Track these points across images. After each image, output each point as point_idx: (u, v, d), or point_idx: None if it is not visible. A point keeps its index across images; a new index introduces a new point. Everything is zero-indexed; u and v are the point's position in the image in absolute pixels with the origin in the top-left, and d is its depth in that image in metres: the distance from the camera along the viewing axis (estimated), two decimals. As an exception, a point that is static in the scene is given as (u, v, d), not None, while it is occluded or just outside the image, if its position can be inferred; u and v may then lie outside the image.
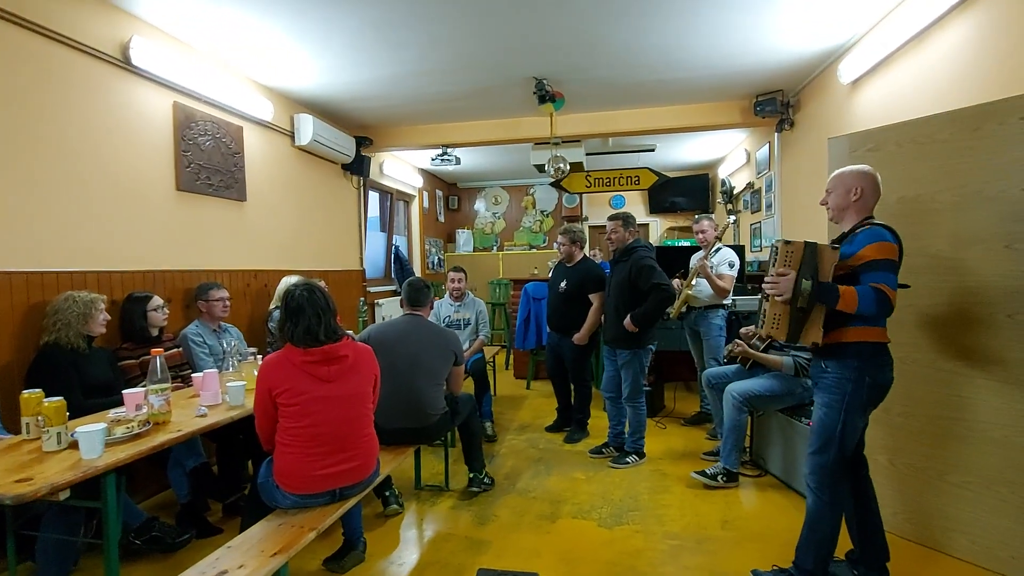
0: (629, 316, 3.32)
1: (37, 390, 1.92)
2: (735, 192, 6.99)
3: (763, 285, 2.02)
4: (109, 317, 2.66)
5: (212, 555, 1.67)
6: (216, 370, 2.48)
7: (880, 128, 2.56)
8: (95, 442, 1.68)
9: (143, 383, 2.42)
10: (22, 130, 2.54)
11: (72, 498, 1.65)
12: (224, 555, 1.66)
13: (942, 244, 2.30)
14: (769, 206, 5.57)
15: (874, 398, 1.99)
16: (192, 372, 2.91)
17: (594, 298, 3.83)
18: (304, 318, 1.96)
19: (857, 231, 1.97)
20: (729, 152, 7.31)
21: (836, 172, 2.10)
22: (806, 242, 1.93)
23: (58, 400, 1.80)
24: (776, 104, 4.76)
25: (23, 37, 2.55)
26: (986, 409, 2.21)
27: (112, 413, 2.11)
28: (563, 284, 3.91)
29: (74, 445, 1.76)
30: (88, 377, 2.50)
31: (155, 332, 2.93)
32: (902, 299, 1.95)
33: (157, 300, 2.94)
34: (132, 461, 1.77)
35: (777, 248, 1.98)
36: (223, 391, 2.38)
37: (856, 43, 3.64)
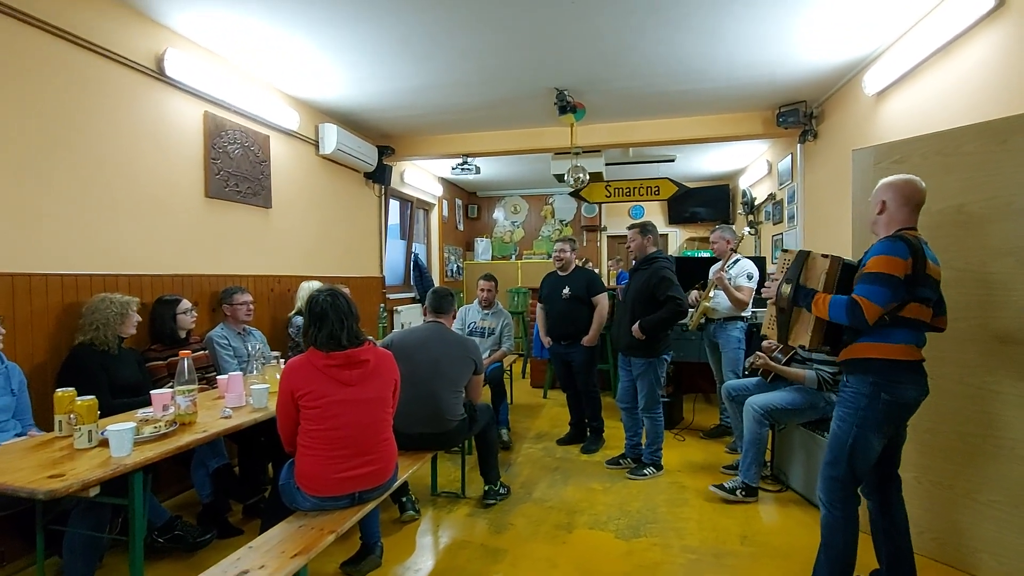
0: (638, 323, 3.33)
1: (70, 388, 1.99)
2: (756, 203, 6.92)
3: (761, 289, 2.22)
4: (140, 319, 2.74)
5: (234, 555, 1.70)
6: (240, 373, 2.53)
7: (905, 140, 2.53)
8: (124, 440, 1.74)
9: (170, 384, 2.49)
10: (60, 137, 2.65)
11: (101, 495, 1.69)
12: (245, 555, 1.69)
13: (970, 257, 2.26)
14: (791, 218, 5.50)
15: (892, 416, 1.94)
16: (217, 374, 2.97)
17: (598, 299, 3.90)
18: (327, 323, 2.00)
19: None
20: (750, 163, 7.25)
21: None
22: (799, 251, 2.09)
23: (90, 399, 1.86)
24: (799, 115, 4.72)
25: (65, 50, 2.67)
26: (1017, 426, 2.15)
27: (140, 413, 2.17)
28: (566, 290, 3.95)
29: (104, 443, 1.82)
30: (117, 377, 2.57)
31: (183, 334, 3.01)
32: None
33: (186, 303, 3.02)
34: (158, 460, 1.81)
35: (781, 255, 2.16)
36: (247, 393, 2.43)
37: (882, 54, 3.61)
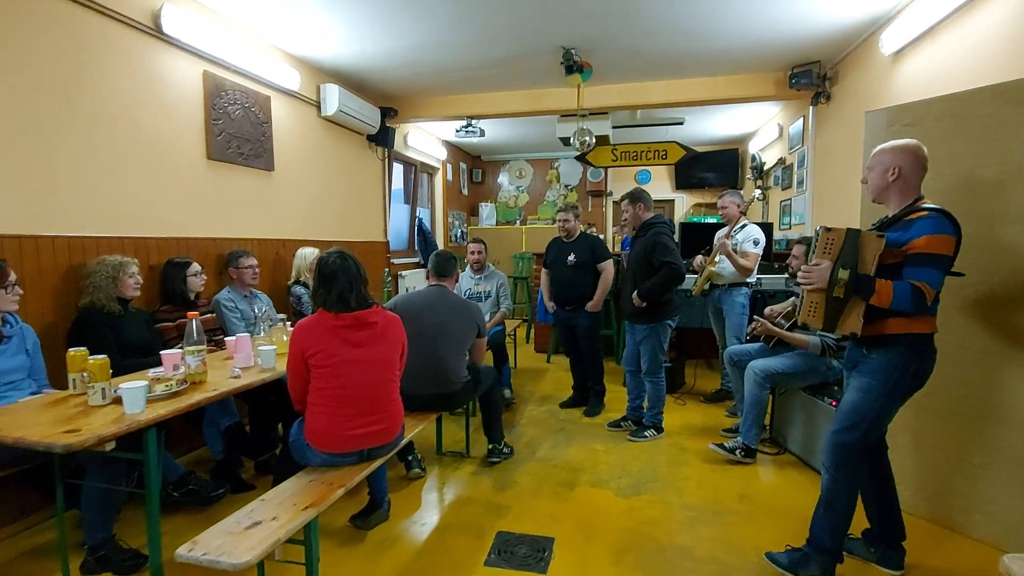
0: (636, 290, 3.34)
1: (82, 348, 2.03)
2: (765, 168, 6.82)
3: (798, 274, 1.99)
4: (141, 280, 2.74)
5: (247, 507, 1.76)
6: (248, 334, 2.56)
7: (919, 102, 2.47)
8: (138, 398, 1.77)
9: (179, 344, 2.52)
10: (63, 98, 2.61)
11: (117, 450, 1.74)
12: (259, 507, 1.75)
13: (979, 222, 2.22)
14: (801, 183, 5.42)
15: (916, 386, 1.96)
16: (224, 336, 3.01)
17: (604, 266, 3.90)
18: (337, 284, 2.01)
19: (913, 217, 1.85)
20: (761, 126, 7.11)
21: (876, 149, 2.00)
22: (848, 229, 1.87)
23: (102, 358, 1.89)
24: (812, 76, 4.59)
25: (59, 5, 2.60)
26: (1016, 391, 2.17)
27: (151, 372, 2.21)
28: (571, 257, 3.94)
29: (117, 401, 1.86)
30: (125, 338, 2.60)
31: (193, 296, 3.04)
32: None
33: (196, 266, 3.04)
34: (170, 418, 1.85)
35: (818, 233, 1.93)
36: (255, 354, 2.46)
37: (900, 12, 3.48)
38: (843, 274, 1.84)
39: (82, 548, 2.14)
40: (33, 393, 2.24)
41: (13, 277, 2.19)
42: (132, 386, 1.78)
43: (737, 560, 2.21)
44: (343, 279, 2.02)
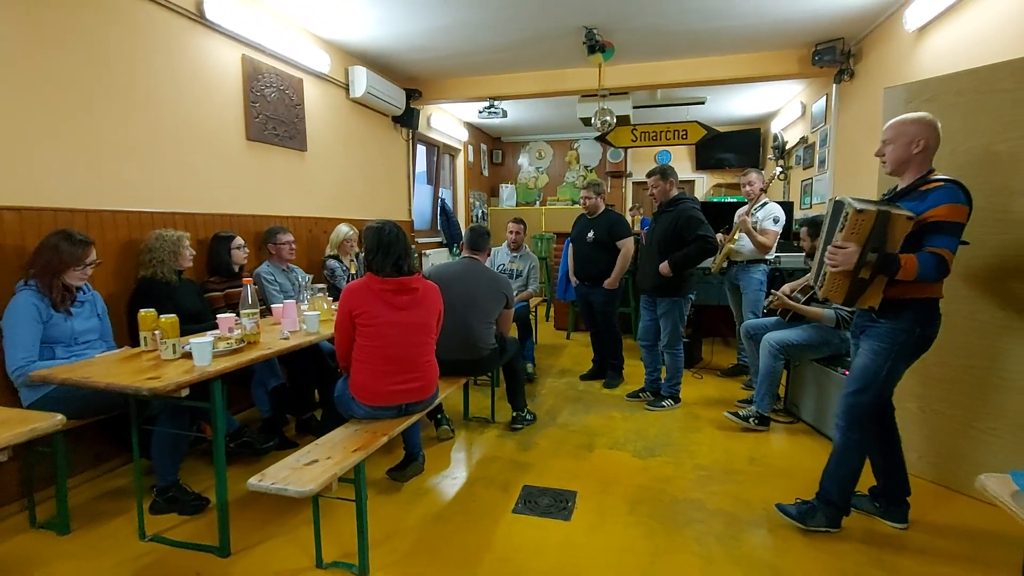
0: (667, 260, 3.43)
1: (151, 309, 2.25)
2: (787, 147, 6.80)
3: (824, 255, 2.01)
4: (195, 252, 2.96)
5: (303, 448, 1.97)
6: (294, 301, 2.77)
7: (939, 77, 2.52)
8: (205, 351, 1.98)
9: (228, 313, 2.74)
10: (116, 82, 2.81)
11: (190, 397, 1.96)
12: (313, 449, 1.96)
13: (992, 196, 2.30)
14: (822, 162, 5.43)
15: (922, 349, 2.06)
16: (267, 306, 3.22)
17: (622, 244, 3.99)
18: (395, 250, 2.23)
19: (928, 188, 1.93)
20: (783, 105, 7.07)
21: (894, 121, 2.04)
22: (878, 211, 1.85)
23: (172, 317, 2.11)
24: (836, 53, 4.59)
25: (116, -6, 2.79)
26: (1021, 359, 2.27)
27: (209, 334, 2.42)
28: (591, 234, 4.05)
29: (186, 356, 2.07)
30: (180, 305, 2.80)
31: (237, 268, 3.26)
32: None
33: (239, 240, 3.25)
34: (233, 370, 2.05)
35: (847, 213, 1.90)
36: (300, 320, 2.67)
37: (925, -13, 3.48)
38: (871, 257, 1.88)
39: (151, 491, 2.39)
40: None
41: (92, 258, 2.38)
42: (200, 341, 1.99)
43: (746, 512, 2.36)
44: (400, 246, 2.23)
